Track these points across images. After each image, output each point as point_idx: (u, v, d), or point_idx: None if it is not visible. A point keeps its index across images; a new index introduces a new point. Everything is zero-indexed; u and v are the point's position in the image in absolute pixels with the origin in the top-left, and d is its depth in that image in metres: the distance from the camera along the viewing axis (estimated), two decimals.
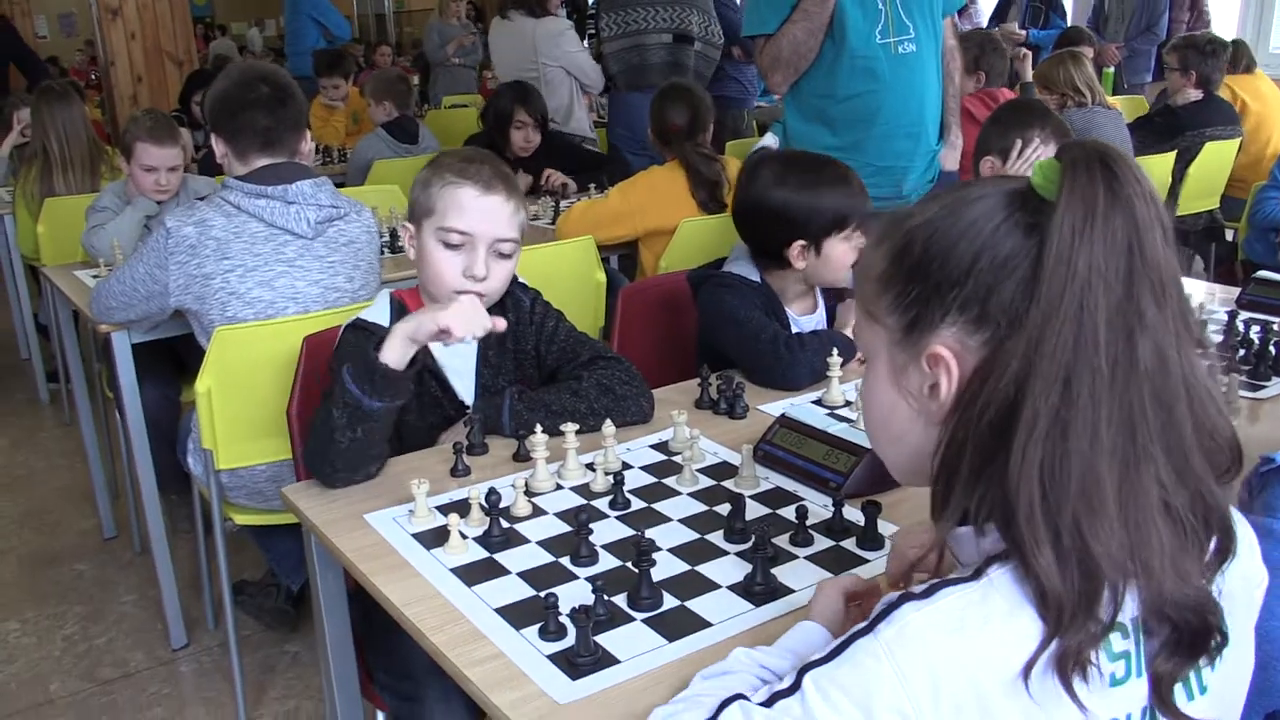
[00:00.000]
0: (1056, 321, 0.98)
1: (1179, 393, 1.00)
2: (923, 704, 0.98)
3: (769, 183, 2.60)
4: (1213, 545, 1.06)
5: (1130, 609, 1.02)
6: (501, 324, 2.04)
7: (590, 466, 1.96)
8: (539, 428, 1.95)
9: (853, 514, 1.78)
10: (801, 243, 2.59)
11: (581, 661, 1.40)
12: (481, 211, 2.14)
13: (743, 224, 2.68)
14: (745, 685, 1.17)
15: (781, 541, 1.71)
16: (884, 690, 0.98)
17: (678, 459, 2.02)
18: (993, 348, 1.04)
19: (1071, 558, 0.99)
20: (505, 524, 1.76)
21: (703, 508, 1.83)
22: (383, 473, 2.00)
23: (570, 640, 1.46)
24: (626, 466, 2.00)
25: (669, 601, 1.55)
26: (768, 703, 1.05)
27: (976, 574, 1.03)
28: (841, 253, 2.58)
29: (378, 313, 2.21)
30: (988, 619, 1.00)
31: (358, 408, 1.89)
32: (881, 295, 1.11)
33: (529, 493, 1.88)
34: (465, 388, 2.24)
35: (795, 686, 1.03)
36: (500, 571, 1.64)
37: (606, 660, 1.41)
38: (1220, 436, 1.04)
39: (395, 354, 1.96)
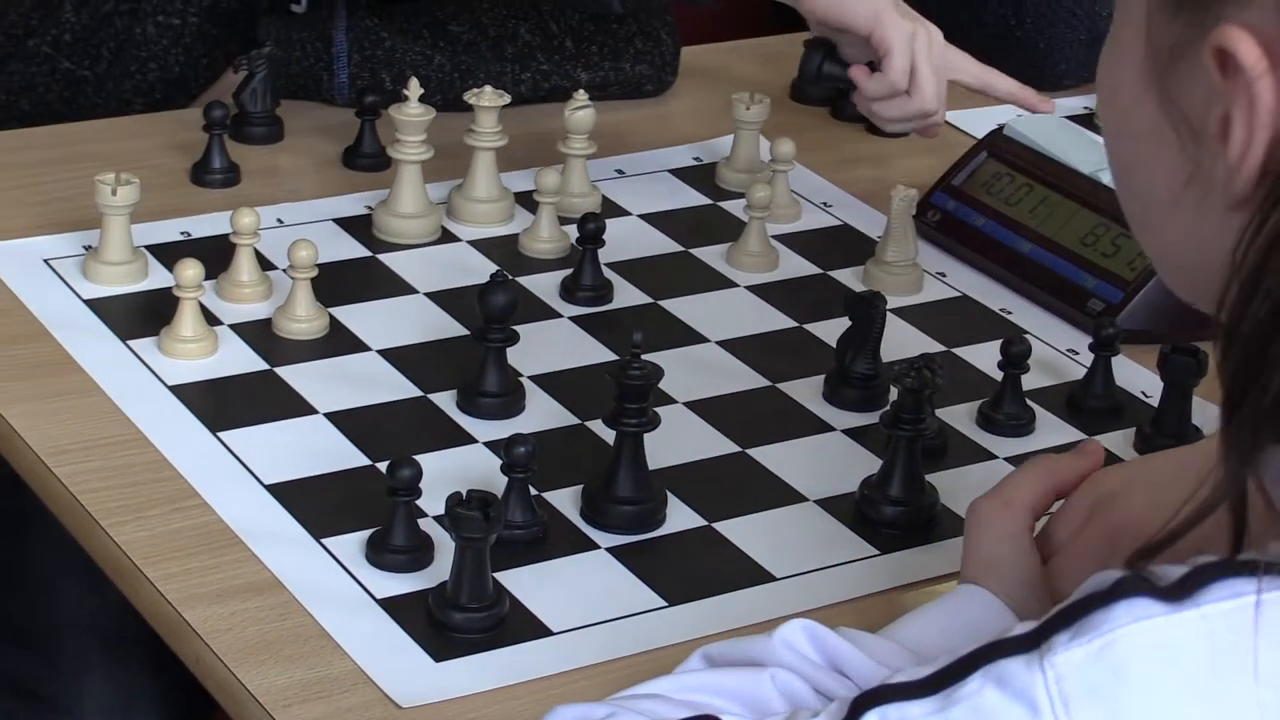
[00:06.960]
0: None
1: None
2: None
3: None
4: None
5: None
6: None
7: (530, 198, 1.40)
8: (412, 85, 1.36)
9: (1127, 374, 1.23)
10: None
11: (461, 621, 0.97)
12: None
13: None
14: (784, 693, 0.79)
15: (959, 414, 1.19)
16: None
17: (732, 206, 1.47)
18: None
19: None
20: (317, 303, 1.26)
21: (782, 321, 1.34)
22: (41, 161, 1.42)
23: (438, 572, 0.99)
24: (613, 209, 1.45)
25: (681, 515, 1.09)
26: None
27: None
28: None
29: None
30: None
31: None
32: None
33: (376, 235, 1.37)
34: None
35: None
36: (291, 404, 1.17)
37: (518, 627, 0.98)
38: None
39: None
